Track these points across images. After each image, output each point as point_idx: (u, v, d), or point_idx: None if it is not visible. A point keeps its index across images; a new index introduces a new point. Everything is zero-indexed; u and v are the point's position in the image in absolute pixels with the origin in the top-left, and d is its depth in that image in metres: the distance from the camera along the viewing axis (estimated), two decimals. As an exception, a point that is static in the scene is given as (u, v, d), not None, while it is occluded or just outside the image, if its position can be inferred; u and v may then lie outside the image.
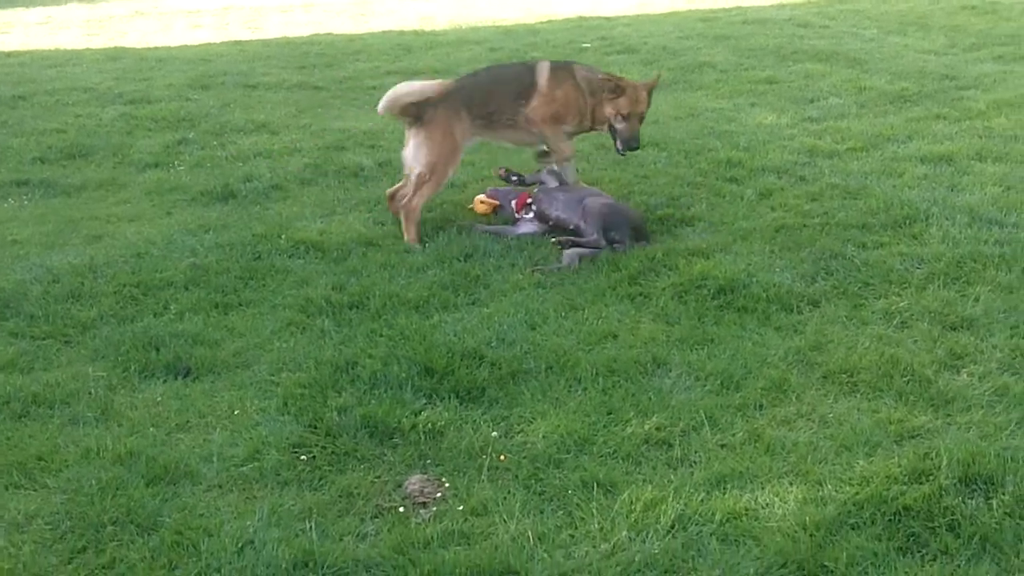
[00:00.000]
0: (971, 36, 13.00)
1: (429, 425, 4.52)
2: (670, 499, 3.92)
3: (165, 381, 5.11)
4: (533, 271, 6.25)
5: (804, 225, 6.77)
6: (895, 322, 5.39)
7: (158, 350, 5.37)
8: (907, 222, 6.68)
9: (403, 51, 14.42)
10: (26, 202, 8.16)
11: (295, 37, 16.19)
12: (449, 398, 4.78)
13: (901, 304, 5.55)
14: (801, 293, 5.75)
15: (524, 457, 4.32)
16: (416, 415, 4.62)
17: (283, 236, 6.95)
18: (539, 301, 5.82)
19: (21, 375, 5.19)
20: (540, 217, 6.82)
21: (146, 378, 5.15)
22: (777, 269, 6.07)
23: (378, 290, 5.98)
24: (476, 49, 14.22)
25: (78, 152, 9.41)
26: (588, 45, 14.07)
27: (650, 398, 4.70)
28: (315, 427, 4.57)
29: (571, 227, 6.60)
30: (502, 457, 4.31)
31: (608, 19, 16.41)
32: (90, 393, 4.99)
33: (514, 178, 7.26)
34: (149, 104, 11.21)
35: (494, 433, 4.47)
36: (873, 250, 6.28)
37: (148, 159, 9.17)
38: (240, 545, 3.78)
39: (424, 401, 4.75)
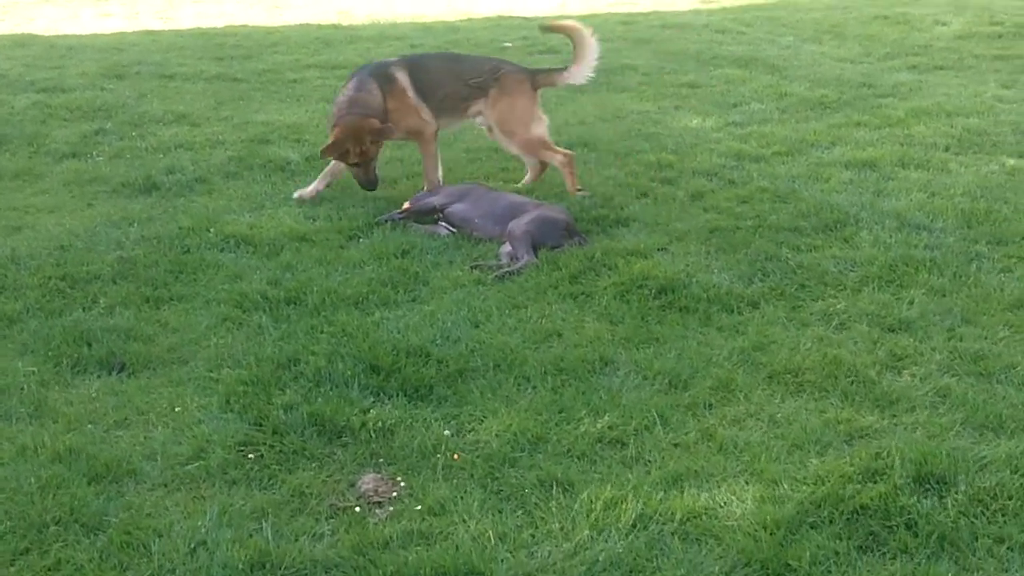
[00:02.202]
0: (885, 46, 13.24)
1: (379, 423, 4.45)
2: (629, 498, 3.89)
3: (99, 377, 4.97)
4: (472, 268, 6.19)
5: (737, 227, 6.82)
6: (834, 324, 5.44)
7: (90, 345, 5.21)
8: (837, 226, 6.75)
9: (322, 44, 14.26)
10: (-63, 191, 7.87)
11: (209, 28, 15.93)
12: (397, 396, 4.71)
13: (838, 306, 5.61)
14: (740, 294, 5.78)
15: (478, 456, 4.26)
16: (365, 413, 4.54)
17: (212, 230, 6.81)
18: (481, 299, 5.77)
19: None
20: (456, 230, 6.79)
21: (79, 373, 4.99)
22: (715, 270, 6.10)
23: (315, 286, 5.88)
24: (396, 45, 14.10)
25: (-9, 141, 9.11)
26: (509, 44, 14.04)
27: (601, 397, 4.67)
28: (261, 425, 4.47)
29: (490, 238, 6.58)
30: (456, 456, 4.25)
31: (527, 19, 16.38)
32: (21, 389, 4.82)
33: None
34: (63, 93, 10.93)
35: (446, 431, 4.41)
36: (807, 253, 6.34)
37: (65, 149, 8.93)
38: (192, 546, 3.67)
39: (372, 399, 4.67)
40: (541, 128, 7.73)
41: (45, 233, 6.88)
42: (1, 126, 9.58)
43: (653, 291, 5.78)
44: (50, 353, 5.13)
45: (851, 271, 6.06)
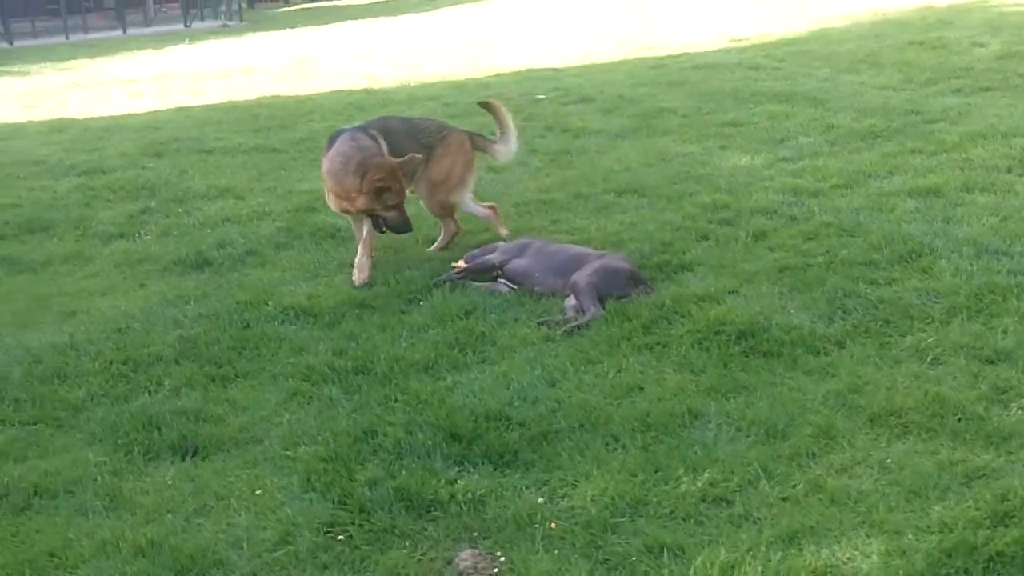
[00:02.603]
0: (925, 71, 13.04)
1: (468, 495, 4.25)
2: (747, 561, 3.67)
3: (172, 462, 4.80)
4: (540, 325, 6.01)
5: (807, 265, 6.61)
6: (928, 359, 5.21)
7: (159, 430, 5.05)
8: (912, 257, 6.54)
9: (356, 110, 14.19)
10: (-11, 281, 7.78)
11: (241, 101, 15.93)
12: (482, 464, 4.51)
13: (929, 340, 5.38)
14: (823, 334, 5.56)
15: (576, 523, 4.06)
16: (452, 484, 4.34)
17: (270, 302, 6.67)
18: (552, 356, 5.58)
19: (16, 464, 4.85)
20: (516, 286, 6.63)
21: (151, 460, 4.83)
22: (792, 311, 5.89)
23: (382, 353, 5.71)
24: (430, 105, 14.03)
25: (37, 226, 9.07)
26: (543, 96, 13.94)
27: (696, 452, 4.46)
28: (345, 504, 4.28)
29: (552, 292, 6.42)
30: (553, 524, 4.04)
31: (557, 70, 16.34)
32: (95, 480, 4.66)
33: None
34: (104, 174, 10.88)
35: (539, 499, 4.21)
36: (885, 287, 6.12)
37: (112, 230, 8.84)
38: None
39: (456, 469, 4.48)
40: (462, 195, 7.73)
41: (100, 316, 6.76)
42: (47, 211, 9.51)
43: (732, 337, 5.57)
44: (119, 441, 4.97)
45: (935, 303, 5.83)
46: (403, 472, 4.44)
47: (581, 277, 6.20)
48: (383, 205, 7.02)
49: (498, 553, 3.90)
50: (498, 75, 16.52)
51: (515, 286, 6.65)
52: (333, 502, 4.30)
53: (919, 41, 15.07)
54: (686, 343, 5.56)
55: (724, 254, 6.98)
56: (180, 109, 15.55)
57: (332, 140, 7.30)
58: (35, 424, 5.27)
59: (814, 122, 10.85)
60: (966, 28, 15.93)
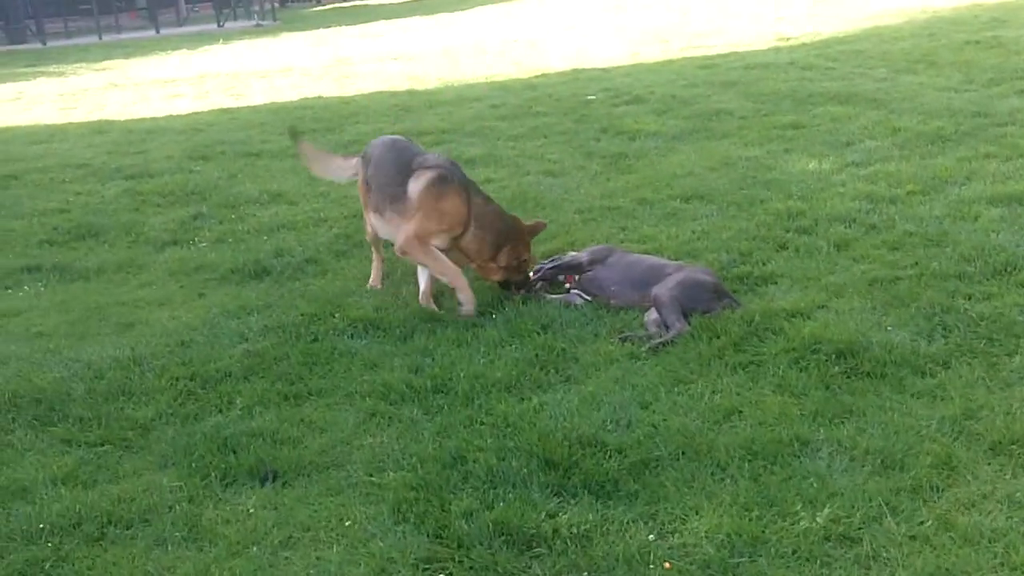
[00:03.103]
0: (986, 71, 12.72)
1: (572, 529, 4.00)
2: (887, 608, 3.38)
3: (251, 488, 4.56)
4: (622, 340, 5.74)
5: (897, 277, 6.33)
6: (1043, 382, 4.90)
7: (235, 453, 4.81)
8: (1008, 270, 6.25)
9: (402, 111, 14.00)
10: (42, 289, 7.60)
11: (284, 102, 15.75)
12: (581, 494, 4.26)
13: (1041, 361, 5.08)
14: (926, 354, 5.28)
15: (692, 563, 3.79)
16: (553, 518, 4.09)
17: (336, 315, 6.43)
18: (639, 375, 5.32)
19: (85, 490, 4.61)
20: (591, 298, 6.38)
21: (228, 486, 4.58)
22: (889, 328, 5.61)
23: (460, 371, 5.46)
24: (477, 107, 13.82)
25: (87, 232, 8.88)
26: (593, 97, 13.70)
27: (812, 485, 4.18)
28: (441, 537, 4.03)
29: (630, 306, 6.18)
30: (667, 565, 3.78)
31: (604, 70, 16.08)
32: (170, 508, 4.42)
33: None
34: (151, 178, 10.70)
35: (649, 535, 3.94)
36: (985, 302, 5.83)
37: (164, 236, 8.63)
38: None
39: (555, 500, 4.22)
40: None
41: (161, 328, 6.53)
42: (95, 216, 9.32)
43: (830, 356, 5.29)
44: (194, 465, 4.73)
45: (1042, 320, 5.53)
46: (500, 503, 4.18)
47: (663, 291, 5.94)
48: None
49: (614, 596, 3.61)
50: (543, 75, 16.27)
51: (589, 298, 6.39)
52: (428, 535, 4.05)
53: (975, 40, 14.74)
54: (782, 362, 5.28)
55: (807, 265, 6.70)
56: (223, 111, 15.37)
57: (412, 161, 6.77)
58: (102, 445, 5.04)
59: (878, 125, 10.55)
60: (1022, 27, 15.57)
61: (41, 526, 4.29)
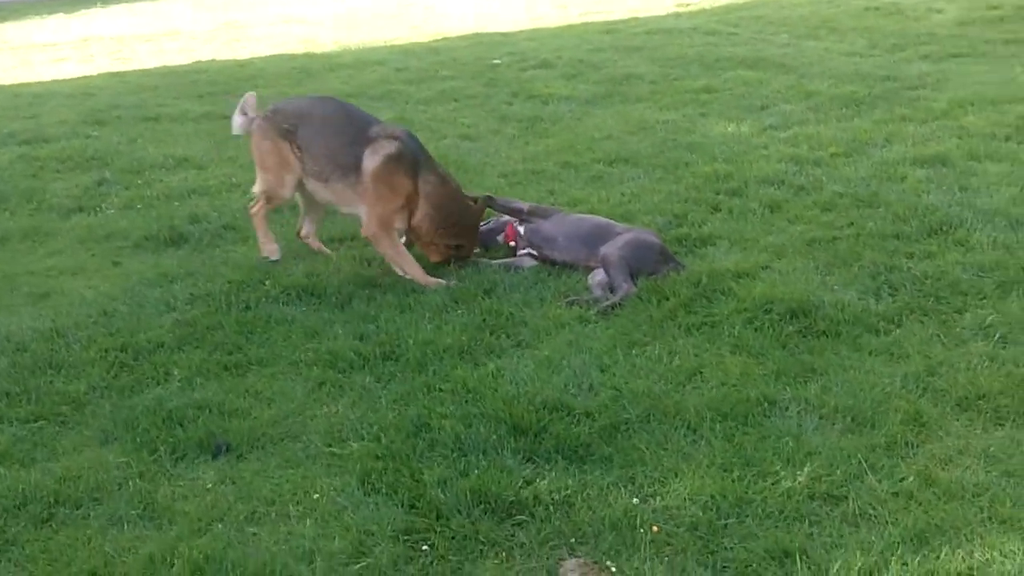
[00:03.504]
0: (888, 37, 12.91)
1: (553, 495, 3.87)
2: (884, 566, 3.36)
3: (204, 462, 4.34)
4: (569, 304, 5.63)
5: (835, 237, 6.35)
6: (995, 337, 4.96)
7: (181, 426, 4.58)
8: (943, 229, 6.31)
9: (303, 75, 13.63)
10: (-57, 259, 7.16)
11: (175, 66, 15.22)
12: (555, 460, 4.14)
13: (990, 317, 5.16)
14: (877, 312, 5.29)
15: (679, 526, 3.71)
16: (530, 484, 3.97)
17: (266, 282, 6.19)
18: (592, 339, 5.22)
19: (24, 468, 4.34)
20: (540, 256, 6.25)
21: (179, 461, 4.36)
22: (836, 287, 5.61)
23: (408, 337, 5.29)
24: (381, 70, 13.53)
25: (-15, 199, 8.39)
26: (499, 61, 13.52)
27: (788, 444, 4.14)
28: (416, 507, 3.89)
29: (579, 266, 6.06)
30: (655, 528, 3.69)
31: (506, 34, 15.89)
32: (120, 485, 4.19)
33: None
34: (47, 143, 10.20)
35: (633, 500, 3.84)
36: (926, 260, 5.88)
37: (68, 203, 8.23)
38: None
39: (531, 466, 4.10)
40: None
41: (78, 298, 6.22)
42: (-8, 183, 8.84)
43: (783, 316, 5.27)
44: (139, 439, 4.49)
45: (984, 277, 5.61)
46: (474, 471, 4.04)
47: (612, 250, 5.84)
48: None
49: (608, 563, 3.50)
50: (444, 39, 16.03)
51: (536, 253, 6.26)
52: (402, 506, 3.90)
53: (875, 7, 14.96)
54: (736, 323, 5.23)
55: (742, 227, 6.67)
56: (112, 75, 14.78)
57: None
58: (35, 421, 4.75)
59: (791, 89, 10.61)
60: (917, -7, 15.84)
61: (-18, 509, 4.00)
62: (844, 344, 4.99)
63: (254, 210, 6.64)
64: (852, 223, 6.55)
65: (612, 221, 6.41)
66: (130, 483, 4.18)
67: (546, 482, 3.95)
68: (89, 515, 3.99)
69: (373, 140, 6.25)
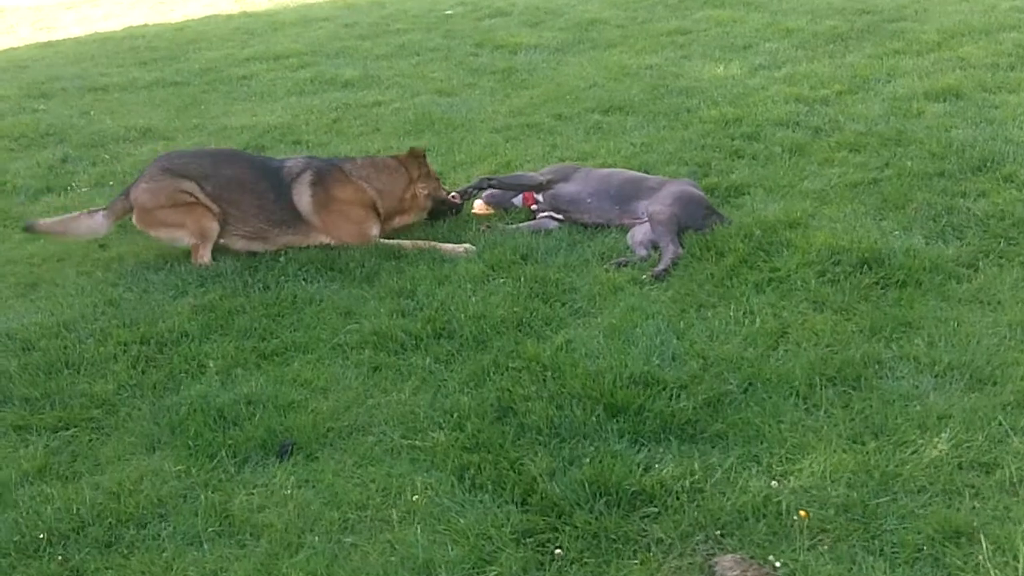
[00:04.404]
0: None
1: (682, 483, 3.51)
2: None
3: (272, 465, 3.90)
4: (617, 266, 5.27)
5: (875, 179, 6.07)
6: (1085, 277, 4.67)
7: (236, 425, 4.14)
8: (987, 165, 6.07)
9: (246, 35, 13.06)
10: (-92, 251, 6.58)
11: (107, 32, 14.56)
12: (665, 441, 3.79)
13: (1076, 260, 4.85)
14: (951, 258, 5.01)
15: (828, 508, 3.38)
16: (648, 470, 3.60)
17: (281, 258, 5.73)
18: (653, 303, 4.88)
19: (69, 484, 3.89)
20: (563, 217, 5.88)
21: (242, 465, 3.93)
22: (897, 233, 5.31)
23: (456, 312, 4.88)
24: (328, 26, 13.02)
25: (-62, 183, 7.78)
26: (451, 12, 13.03)
27: (916, 408, 3.83)
28: (528, 504, 3.51)
29: (611, 226, 5.70)
30: (803, 512, 3.35)
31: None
32: (185, 497, 3.74)
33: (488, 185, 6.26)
34: (-8, 120, 9.53)
35: (772, 482, 3.49)
36: (982, 199, 5.63)
37: (34, 183, 7.70)
38: None
39: (643, 450, 3.73)
40: None
41: (74, 287, 5.72)
42: (-57, 165, 8.22)
43: (855, 267, 4.97)
44: (191, 443, 4.04)
45: (1049, 215, 5.31)
46: (585, 459, 3.66)
47: (661, 208, 5.47)
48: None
49: (771, 558, 3.16)
50: (386, -8, 15.43)
51: (561, 217, 5.88)
52: (514, 503, 3.52)
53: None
54: (808, 277, 4.91)
55: (772, 173, 6.36)
56: (43, 45, 14.09)
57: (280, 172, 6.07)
58: (66, 429, 4.28)
59: (769, 27, 10.32)
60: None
61: (38, 535, 3.55)
62: (930, 294, 4.70)
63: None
64: (887, 163, 6.27)
65: (642, 173, 6.05)
66: (196, 494, 3.74)
67: (669, 467, 3.59)
68: (159, 535, 3.55)
69: (289, 182, 5.97)
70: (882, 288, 4.78)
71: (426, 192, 6.12)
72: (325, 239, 5.90)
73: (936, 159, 6.18)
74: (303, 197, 5.90)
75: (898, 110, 7.24)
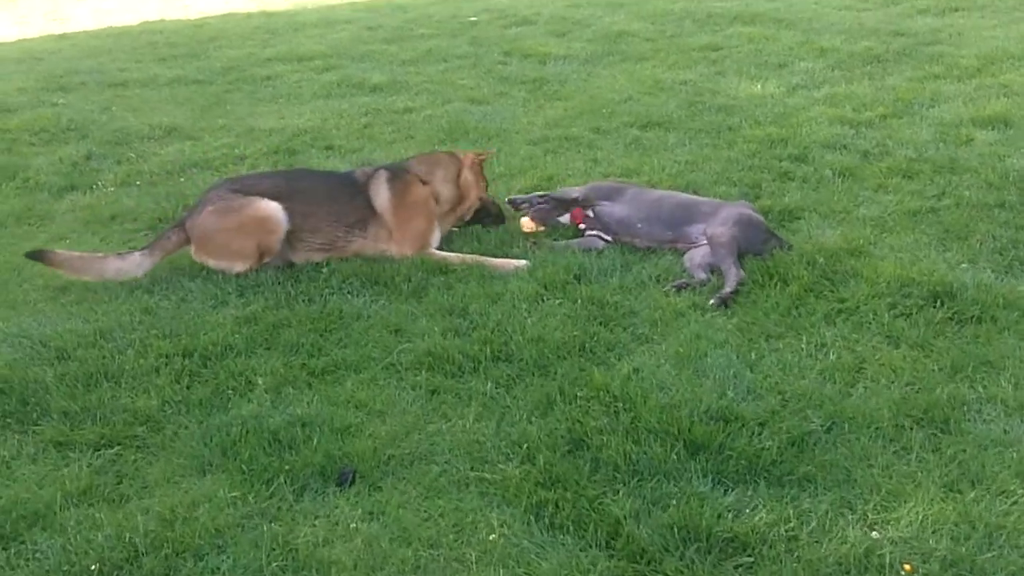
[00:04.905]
0: (877, -11, 12.48)
1: (775, 531, 3.32)
2: None
3: (332, 494, 3.71)
4: (677, 289, 5.10)
5: (933, 208, 5.91)
6: None
7: (292, 449, 3.94)
8: (1048, 197, 5.86)
9: (267, 34, 12.87)
10: (-70, 247, 6.38)
11: (124, 27, 14.34)
12: (751, 483, 3.62)
13: None
14: (1023, 294, 4.81)
15: (932, 561, 3.21)
16: (739, 515, 3.41)
17: (323, 269, 5.54)
18: (718, 330, 4.70)
19: (116, 508, 3.69)
20: (614, 241, 5.71)
21: (301, 493, 3.73)
22: (965, 266, 5.15)
23: (513, 333, 4.70)
24: (351, 28, 12.84)
25: (-42, 178, 7.58)
26: (475, 18, 12.86)
27: (1011, 456, 3.65)
28: (613, 548, 3.33)
29: (659, 246, 5.56)
30: (907, 566, 3.17)
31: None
32: (241, 526, 3.54)
33: (524, 205, 6.08)
34: (11, 113, 9.38)
35: (872, 533, 3.31)
36: (1050, 233, 5.42)
37: (58, 181, 7.47)
38: None
39: (730, 492, 3.55)
40: None
41: (107, 292, 5.54)
42: (-38, 159, 8.01)
43: (927, 300, 4.81)
44: (244, 467, 3.85)
45: (1121, 251, 5.15)
46: (671, 501, 3.48)
47: (721, 231, 5.30)
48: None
49: (882, 616, 2.97)
50: (407, -5, 15.28)
51: (609, 238, 5.70)
52: (597, 546, 3.33)
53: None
54: (879, 309, 4.73)
55: (826, 197, 6.21)
56: (58, 37, 13.87)
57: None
58: (110, 447, 4.08)
59: (803, 46, 10.16)
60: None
61: (89, 564, 3.35)
62: (1007, 332, 4.53)
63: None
64: (943, 192, 6.12)
65: (694, 196, 5.88)
66: (256, 524, 3.54)
67: (761, 513, 3.40)
68: (219, 568, 3.35)
69: (364, 183, 5.89)
70: (957, 324, 4.61)
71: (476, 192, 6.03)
72: (390, 246, 5.73)
73: (994, 189, 6.03)
74: (380, 194, 5.79)
75: (947, 136, 7.09)
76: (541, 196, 6.03)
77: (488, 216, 6.09)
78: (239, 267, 5.59)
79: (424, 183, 5.89)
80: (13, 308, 5.43)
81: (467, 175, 5.98)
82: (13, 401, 4.37)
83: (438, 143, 7.78)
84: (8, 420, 4.27)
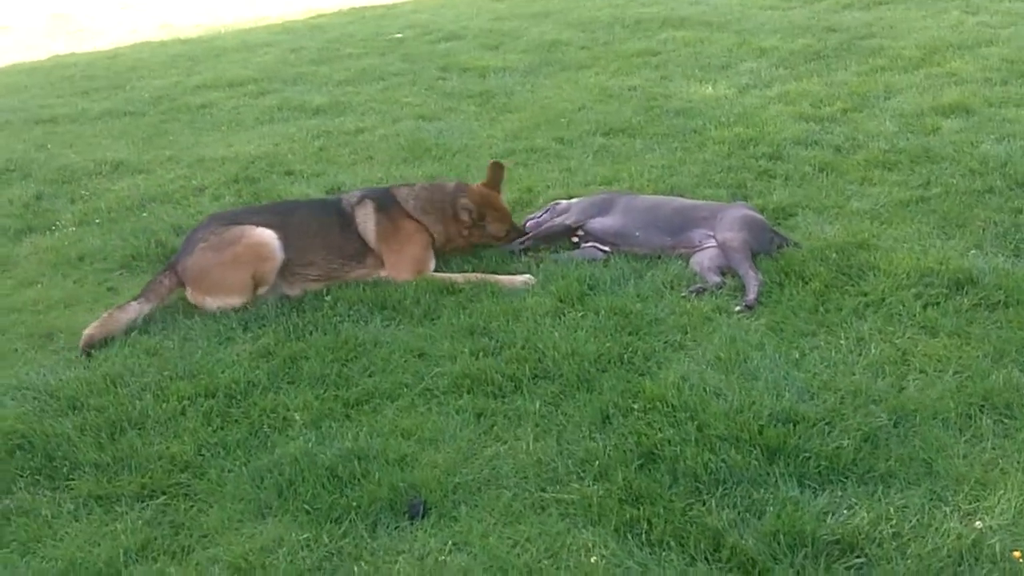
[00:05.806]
0: (800, -14, 12.66)
1: (880, 530, 3.29)
2: None
3: (406, 529, 3.59)
4: (696, 293, 5.06)
5: (923, 198, 5.97)
6: None
7: (352, 484, 3.81)
8: (1032, 182, 5.97)
9: (189, 61, 12.58)
10: None
11: (33, 63, 13.90)
12: (840, 482, 3.58)
13: None
14: (1040, 277, 4.88)
15: (1048, 554, 3.17)
16: (826, 517, 3.38)
17: (327, 296, 5.39)
18: (752, 331, 4.68)
19: (182, 561, 3.52)
20: (610, 249, 5.65)
21: (373, 528, 3.60)
22: (974, 252, 5.20)
23: (545, 349, 4.61)
24: (274, 51, 12.62)
25: (-92, 226, 7.23)
26: (401, 35, 12.73)
27: (1087, 437, 3.66)
28: (718, 560, 3.27)
29: (660, 252, 5.51)
30: (1016, 554, 3.18)
31: (388, 7, 15.09)
32: (321, 568, 3.39)
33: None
34: (-60, 156, 8.94)
35: (977, 523, 3.29)
36: (1044, 216, 5.51)
37: (13, 223, 7.19)
38: None
39: (820, 494, 3.51)
40: None
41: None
42: (-95, 207, 7.65)
43: (949, 289, 4.82)
44: (307, 506, 3.71)
45: (1122, 230, 5.26)
46: (767, 508, 3.42)
47: (731, 235, 5.27)
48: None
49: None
50: (320, 16, 15.13)
51: (608, 249, 5.64)
52: (701, 560, 3.25)
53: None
54: (907, 300, 4.75)
55: (814, 193, 6.25)
56: (-33, 75, 13.35)
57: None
58: (154, 497, 3.90)
59: (741, 47, 10.24)
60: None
61: (176, 624, 3.17)
62: (1040, 316, 4.56)
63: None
64: (928, 181, 6.19)
65: (690, 200, 5.86)
66: (339, 564, 3.40)
67: (860, 513, 3.37)
68: (315, 616, 3.19)
69: (349, 211, 5.74)
70: (986, 310, 4.65)
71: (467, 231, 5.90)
72: (388, 273, 5.62)
73: (978, 176, 6.12)
74: (368, 223, 5.66)
75: (912, 126, 7.18)
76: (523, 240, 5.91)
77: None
78: (236, 301, 5.40)
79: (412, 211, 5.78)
80: (3, 359, 5.16)
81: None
82: (38, 457, 4.15)
83: (401, 162, 7.67)
84: (37, 477, 4.05)
